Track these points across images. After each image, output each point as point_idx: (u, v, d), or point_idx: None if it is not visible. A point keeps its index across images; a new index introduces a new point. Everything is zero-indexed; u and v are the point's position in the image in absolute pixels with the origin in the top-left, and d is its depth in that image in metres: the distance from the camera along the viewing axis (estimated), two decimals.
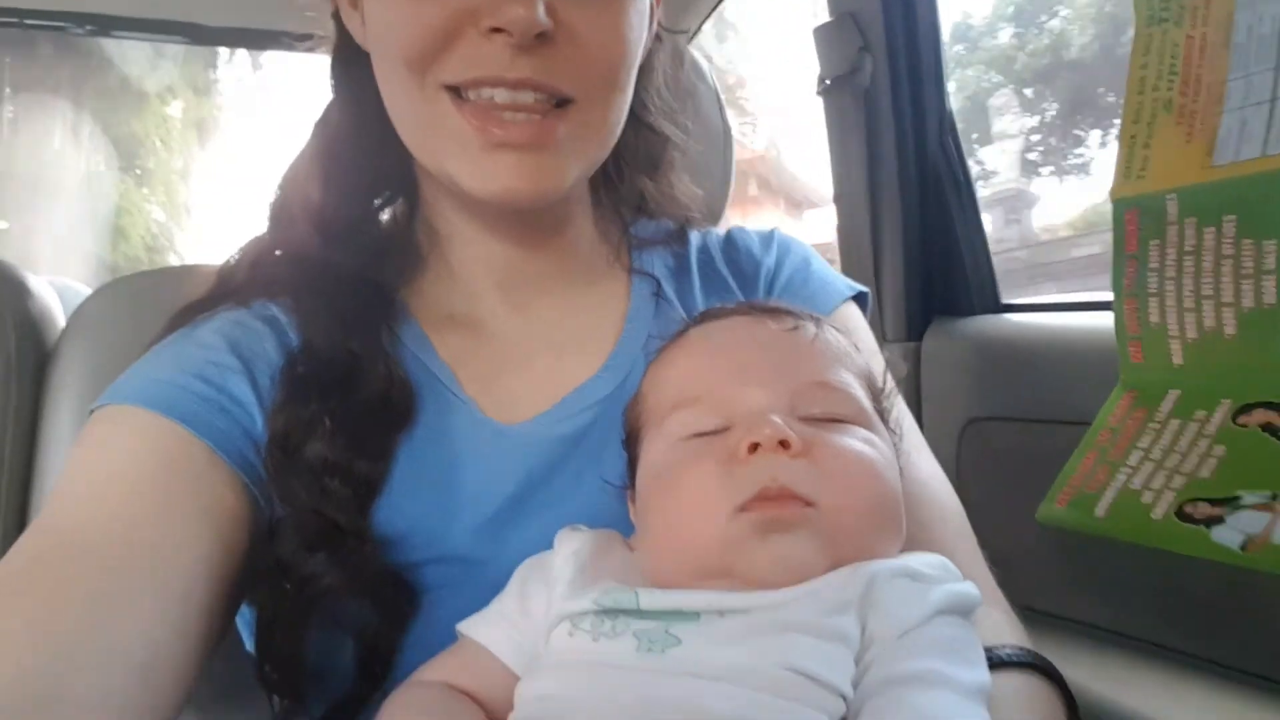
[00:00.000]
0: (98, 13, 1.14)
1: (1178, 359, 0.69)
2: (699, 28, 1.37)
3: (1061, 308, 1.06)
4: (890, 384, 0.69)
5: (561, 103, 0.55)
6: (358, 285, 0.61)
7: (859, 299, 0.72)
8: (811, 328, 0.53)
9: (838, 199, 1.26)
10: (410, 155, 0.61)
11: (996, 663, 0.47)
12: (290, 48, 0.68)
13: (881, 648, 0.41)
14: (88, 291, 0.86)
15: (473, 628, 0.50)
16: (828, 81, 1.21)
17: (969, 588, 0.45)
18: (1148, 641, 0.88)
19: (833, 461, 0.45)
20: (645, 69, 0.65)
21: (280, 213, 0.64)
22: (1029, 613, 1.03)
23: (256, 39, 1.23)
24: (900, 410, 0.61)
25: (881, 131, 1.19)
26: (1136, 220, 0.73)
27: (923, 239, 1.19)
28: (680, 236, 0.73)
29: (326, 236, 0.61)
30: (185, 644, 0.48)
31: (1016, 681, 0.52)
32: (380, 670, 0.53)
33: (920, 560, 0.46)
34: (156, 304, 0.62)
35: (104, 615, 0.44)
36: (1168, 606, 0.86)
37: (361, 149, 0.63)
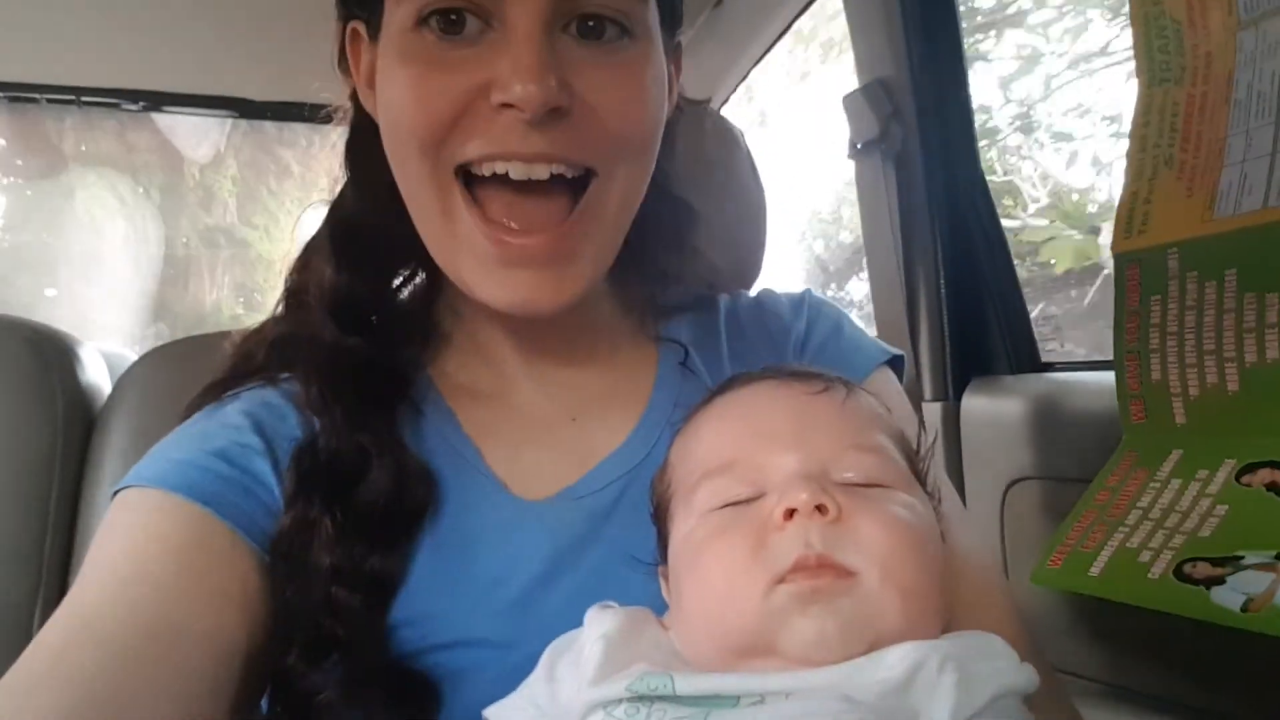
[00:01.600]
0: (149, 89, 1.22)
1: (1180, 418, 0.67)
2: (728, 97, 1.42)
3: (1104, 366, 1.04)
4: (926, 447, 0.66)
5: (581, 177, 0.54)
6: (372, 370, 0.59)
7: (894, 363, 0.69)
8: (842, 390, 0.51)
9: (870, 261, 1.27)
10: None
11: None
12: (334, 122, 0.67)
13: None
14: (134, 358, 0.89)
15: (499, 713, 0.48)
16: (858, 146, 1.23)
17: (1026, 671, 0.42)
18: (1208, 711, 0.83)
19: (872, 528, 0.43)
20: (667, 138, 0.62)
21: (294, 295, 0.63)
22: (1076, 679, 0.99)
23: (300, 112, 1.27)
24: (939, 476, 0.58)
25: (913, 194, 1.20)
26: (1138, 276, 0.72)
27: (958, 299, 1.19)
28: (708, 303, 0.71)
29: (340, 319, 0.60)
30: None
31: None
32: None
33: (972, 640, 0.43)
34: (202, 368, 0.63)
35: (127, 710, 0.43)
36: (1229, 674, 0.82)
37: (377, 230, 0.62)
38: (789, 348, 0.68)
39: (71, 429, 0.84)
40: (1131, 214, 0.73)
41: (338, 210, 0.64)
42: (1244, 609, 0.56)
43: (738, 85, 1.38)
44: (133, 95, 1.22)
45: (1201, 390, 0.66)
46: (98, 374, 0.90)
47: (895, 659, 0.39)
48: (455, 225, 0.54)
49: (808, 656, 0.40)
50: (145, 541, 0.50)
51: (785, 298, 0.74)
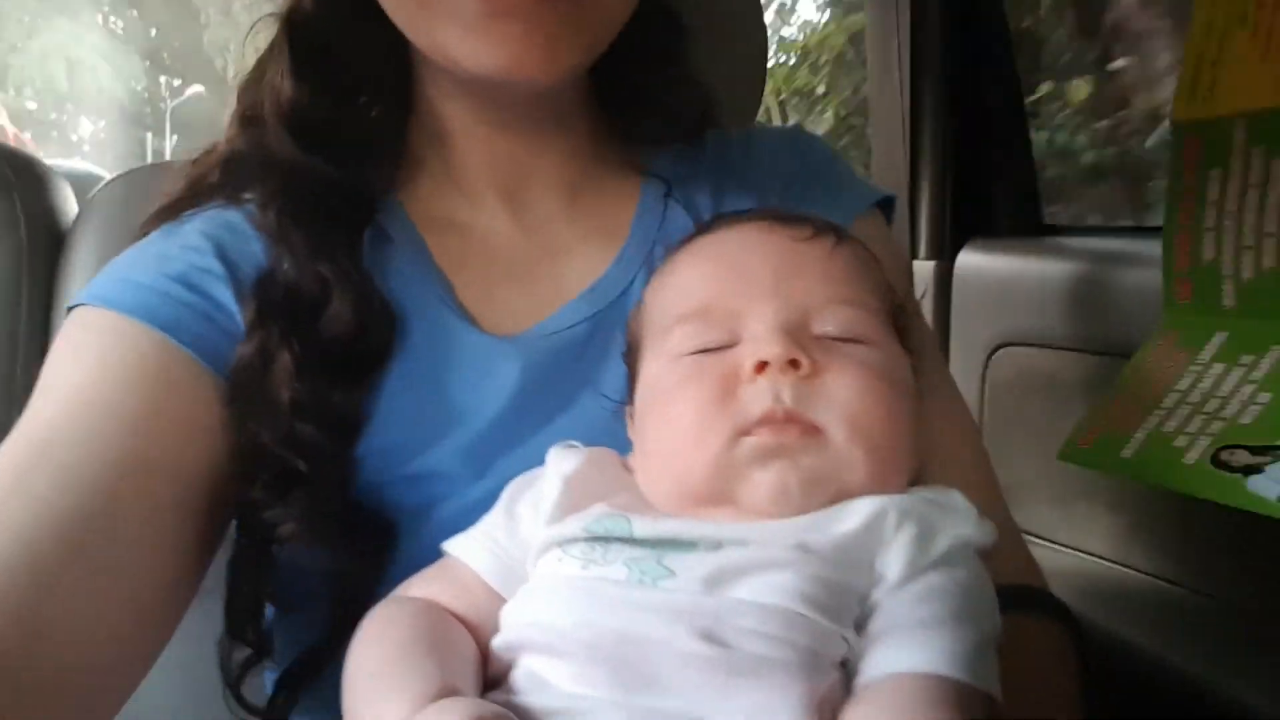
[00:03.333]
0: None
1: (1229, 301, 0.65)
2: None
3: (1108, 231, 1.02)
4: (915, 303, 0.65)
5: None
6: (334, 193, 0.56)
7: (884, 205, 0.67)
8: (831, 238, 0.49)
9: (874, 106, 1.20)
10: (403, 47, 0.57)
11: (1007, 605, 0.46)
12: None
13: (889, 591, 0.39)
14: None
15: (457, 546, 0.47)
16: None
17: (984, 527, 0.43)
18: (1161, 577, 0.87)
19: (845, 386, 0.42)
20: None
21: (248, 112, 0.59)
22: (1044, 542, 1.04)
23: None
24: (924, 335, 0.57)
25: (928, 40, 1.12)
26: (1199, 147, 0.68)
27: (963, 151, 1.14)
28: (695, 135, 0.67)
29: (299, 137, 0.56)
30: (175, 564, 0.47)
31: (1028, 624, 0.50)
32: (354, 616, 0.48)
33: (934, 496, 0.43)
34: None
35: (86, 536, 0.43)
36: (1182, 542, 0.85)
37: (340, 41, 0.58)
38: (777, 186, 0.65)
39: (36, 253, 0.81)
40: (1197, 77, 0.68)
41: (294, 14, 0.58)
42: None
43: None
44: None
45: (1256, 273, 0.64)
46: (63, 196, 0.86)
47: (853, 511, 0.40)
48: None
49: (766, 509, 0.41)
50: (103, 367, 0.49)
51: (776, 132, 0.71)
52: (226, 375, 0.51)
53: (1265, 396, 0.61)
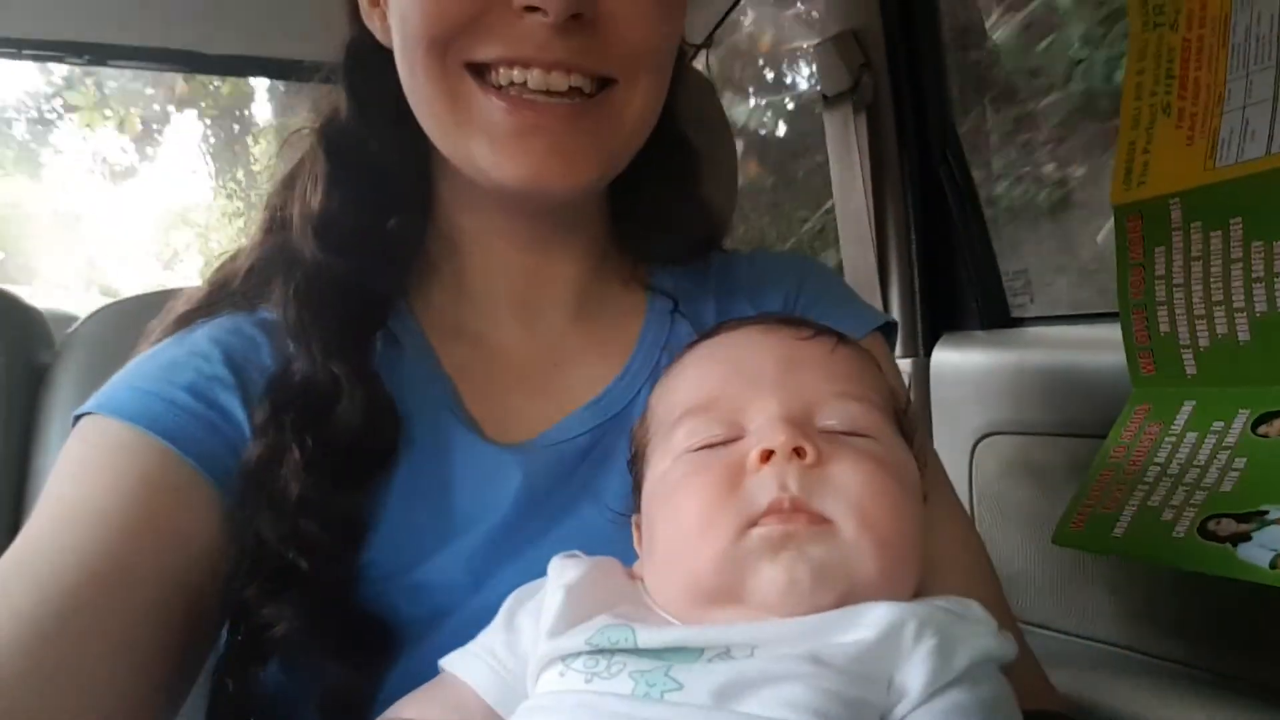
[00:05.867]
0: (96, 42, 1.14)
1: (1191, 369, 0.67)
2: (709, 38, 1.37)
3: (1072, 319, 1.04)
4: (912, 411, 0.65)
5: (600, 86, 0.53)
6: (352, 295, 0.57)
7: (887, 331, 0.67)
8: (832, 338, 0.50)
9: (840, 215, 1.24)
10: (426, 160, 0.60)
11: None
12: (287, 76, 0.65)
13: (910, 708, 0.36)
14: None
15: (455, 663, 0.46)
16: (828, 97, 1.20)
17: (1005, 641, 0.41)
18: (1168, 658, 0.85)
19: (852, 476, 0.41)
20: (675, 80, 0.61)
21: (276, 216, 0.61)
22: (1044, 630, 1.01)
23: (253, 67, 1.22)
24: (923, 441, 0.57)
25: (885, 147, 1.17)
26: (1140, 227, 0.71)
27: (929, 253, 1.17)
28: (701, 255, 0.68)
29: (323, 240, 0.58)
30: (155, 675, 0.46)
31: None
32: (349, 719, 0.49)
33: (951, 605, 0.41)
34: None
35: (59, 651, 0.42)
36: (1181, 621, 0.83)
37: (368, 152, 0.60)
38: (780, 305, 0.67)
39: (15, 379, 0.81)
40: (1130, 164, 0.72)
41: (329, 129, 0.61)
42: (1273, 565, 0.56)
43: (717, 26, 1.32)
44: (77, 48, 1.15)
45: (1212, 341, 0.66)
46: (42, 326, 0.87)
47: (870, 620, 0.38)
48: (466, 108, 0.53)
49: (776, 605, 0.39)
50: (99, 476, 0.49)
51: (778, 258, 0.72)
52: (225, 485, 0.51)
53: (1241, 461, 0.62)
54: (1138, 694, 0.77)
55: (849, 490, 0.41)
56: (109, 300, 0.88)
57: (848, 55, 1.15)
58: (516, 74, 0.51)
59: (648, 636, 0.39)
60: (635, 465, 0.52)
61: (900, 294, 1.20)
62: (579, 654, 0.40)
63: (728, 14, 1.28)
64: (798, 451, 0.41)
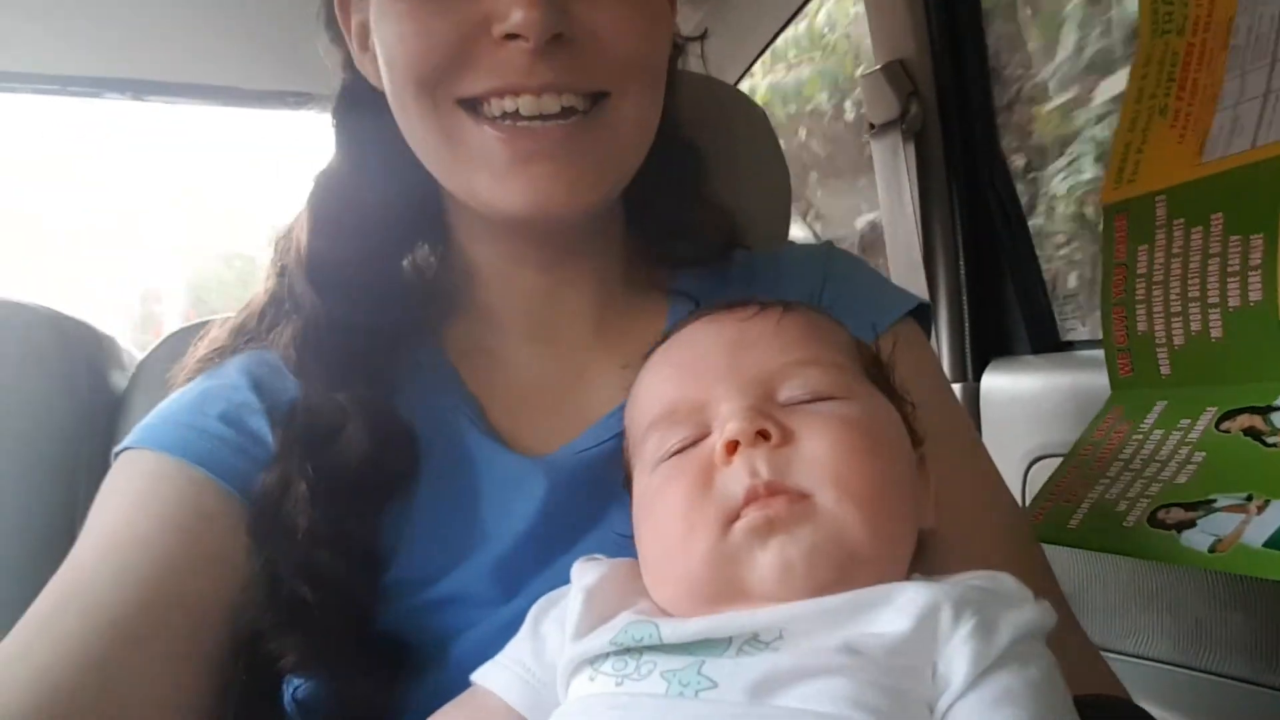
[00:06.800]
0: (133, 78, 1.20)
1: (1165, 369, 0.65)
2: (747, 69, 1.43)
3: None
4: (955, 405, 0.62)
5: (593, 101, 0.52)
6: (356, 332, 0.58)
7: (920, 313, 0.64)
8: (777, 309, 0.48)
9: (889, 242, 1.25)
10: (435, 194, 0.60)
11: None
12: (294, 106, 0.68)
13: (957, 697, 0.35)
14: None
15: (485, 675, 0.45)
16: (876, 126, 1.22)
17: (1043, 609, 0.39)
18: (1232, 677, 0.81)
19: (822, 446, 0.40)
20: (670, 86, 0.61)
21: (279, 264, 0.62)
22: (1104, 652, 0.95)
23: (289, 101, 1.24)
24: (934, 391, 0.56)
25: (932, 174, 1.18)
26: (1126, 226, 0.70)
27: (977, 279, 1.17)
28: (723, 255, 0.67)
29: (316, 284, 0.58)
30: (200, 694, 0.48)
31: None
32: None
33: (982, 582, 0.40)
34: None
35: (107, 677, 0.44)
36: (1244, 638, 0.79)
37: (360, 194, 0.61)
38: (805, 297, 0.61)
39: (97, 414, 0.85)
40: (1122, 164, 0.72)
41: (321, 177, 0.63)
42: (1211, 550, 0.54)
43: (750, 65, 1.38)
44: (118, 84, 1.21)
45: (1186, 339, 0.64)
46: (119, 355, 0.92)
47: (901, 604, 0.37)
48: (463, 144, 0.53)
49: (778, 591, 0.38)
50: (140, 505, 0.51)
51: (804, 250, 0.70)
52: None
53: (1200, 456, 0.60)
54: (1199, 715, 0.72)
55: (820, 459, 0.40)
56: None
57: (896, 84, 1.18)
58: (508, 103, 0.51)
59: (671, 630, 0.38)
60: (627, 485, 0.51)
61: (949, 319, 1.19)
62: (606, 655, 0.39)
63: (764, 50, 1.34)
64: (761, 434, 0.40)
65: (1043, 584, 0.46)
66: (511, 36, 0.49)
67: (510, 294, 0.62)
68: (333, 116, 0.63)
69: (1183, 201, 0.66)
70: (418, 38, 0.51)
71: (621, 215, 0.65)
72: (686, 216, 0.67)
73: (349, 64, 0.62)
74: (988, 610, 0.37)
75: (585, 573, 0.45)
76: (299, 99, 0.68)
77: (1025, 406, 1.07)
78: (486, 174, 0.52)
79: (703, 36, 0.73)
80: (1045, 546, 0.58)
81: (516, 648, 0.45)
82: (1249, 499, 0.54)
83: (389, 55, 0.53)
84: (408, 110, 0.54)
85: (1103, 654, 0.59)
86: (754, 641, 0.37)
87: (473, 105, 0.52)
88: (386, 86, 0.55)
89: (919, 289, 1.20)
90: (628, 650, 0.39)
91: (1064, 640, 0.41)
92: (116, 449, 0.55)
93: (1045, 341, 1.12)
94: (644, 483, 0.45)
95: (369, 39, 0.57)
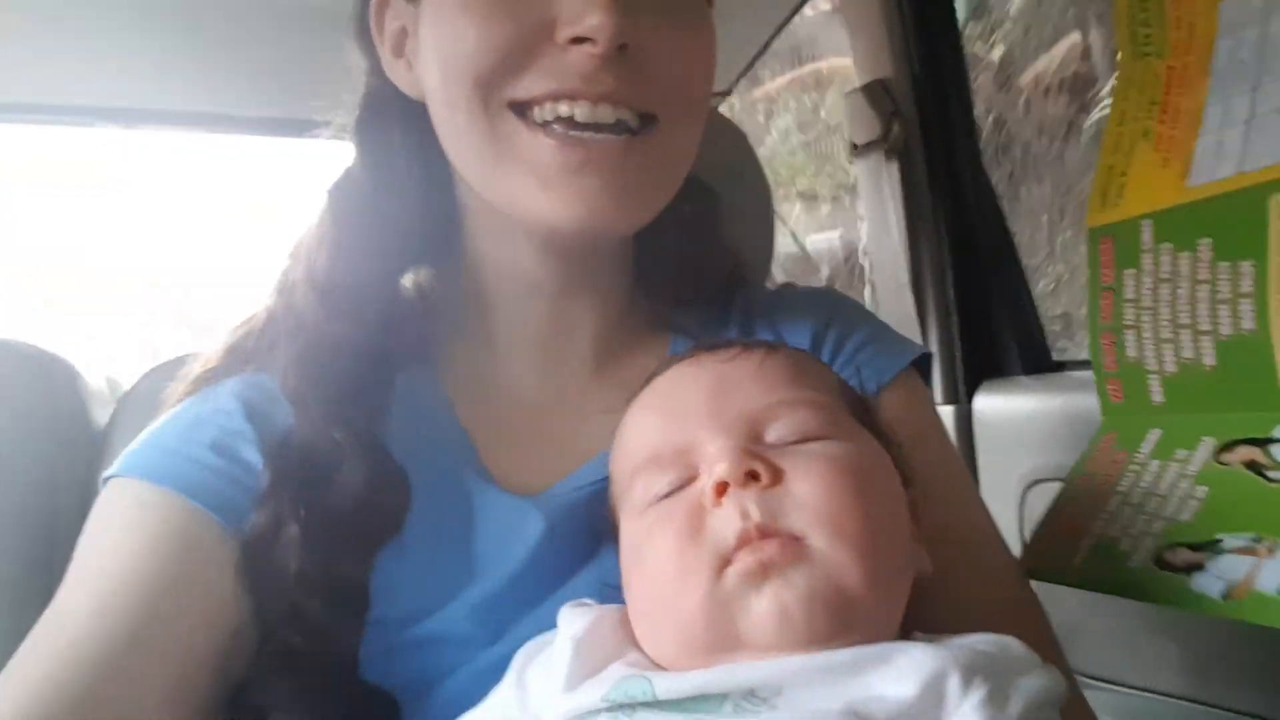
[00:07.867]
0: (126, 106, 1.18)
1: (1157, 397, 0.63)
2: (732, 87, 1.41)
3: None
4: (948, 448, 0.62)
5: (643, 123, 0.52)
6: (360, 359, 0.56)
7: (921, 363, 0.63)
8: (760, 350, 0.48)
9: (874, 264, 1.24)
10: (450, 214, 0.59)
11: None
12: (296, 133, 0.66)
13: None
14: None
15: None
16: (859, 146, 1.21)
17: (1052, 676, 0.38)
18: (1235, 711, 0.80)
19: (812, 486, 0.40)
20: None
21: (284, 281, 0.60)
22: (1109, 686, 0.93)
23: (285, 127, 1.23)
24: (925, 431, 0.56)
25: (918, 195, 1.17)
26: (1112, 250, 0.68)
27: (966, 300, 1.15)
28: (723, 295, 0.67)
29: (326, 305, 0.57)
30: None
31: None
32: None
33: (988, 647, 0.39)
34: None
35: (87, 707, 0.44)
36: (1254, 672, 0.79)
37: (380, 211, 0.59)
38: (807, 340, 0.63)
39: (75, 449, 0.84)
40: (1107, 187, 0.70)
41: (338, 191, 0.61)
42: (1225, 596, 0.52)
43: (743, 74, 1.36)
44: (110, 113, 1.20)
45: (1178, 366, 0.62)
46: (99, 389, 0.91)
47: (905, 666, 0.36)
48: (511, 149, 0.52)
49: (775, 641, 0.37)
50: (127, 537, 0.50)
51: (805, 293, 0.69)
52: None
53: (1202, 490, 0.58)
54: None
55: (811, 501, 0.39)
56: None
57: (878, 104, 1.17)
58: (563, 108, 0.50)
59: (666, 685, 0.37)
60: (614, 533, 0.50)
61: (939, 340, 1.18)
62: (597, 712, 0.38)
63: (752, 64, 1.32)
64: (750, 475, 0.40)
65: (1050, 653, 0.44)
66: (579, 41, 0.48)
67: (515, 322, 0.61)
68: (355, 126, 0.61)
69: (1169, 226, 0.65)
70: (479, 36, 0.50)
71: (631, 249, 0.64)
72: (695, 255, 0.66)
73: (376, 71, 0.60)
74: (998, 678, 0.36)
75: (573, 620, 0.44)
76: (296, 125, 0.67)
77: (1020, 429, 1.06)
78: (535, 181, 0.51)
79: None
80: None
81: (500, 697, 0.44)
82: (1258, 540, 0.53)
83: (444, 54, 0.52)
84: (457, 110, 0.52)
85: (1108, 686, 0.58)
86: (751, 698, 0.36)
87: (522, 110, 0.51)
88: (434, 87, 0.54)
89: (907, 310, 1.19)
90: (620, 706, 0.38)
91: (1070, 705, 0.40)
92: (105, 474, 0.54)
93: (1037, 362, 1.11)
94: (631, 529, 0.44)
95: (405, 45, 0.57)
